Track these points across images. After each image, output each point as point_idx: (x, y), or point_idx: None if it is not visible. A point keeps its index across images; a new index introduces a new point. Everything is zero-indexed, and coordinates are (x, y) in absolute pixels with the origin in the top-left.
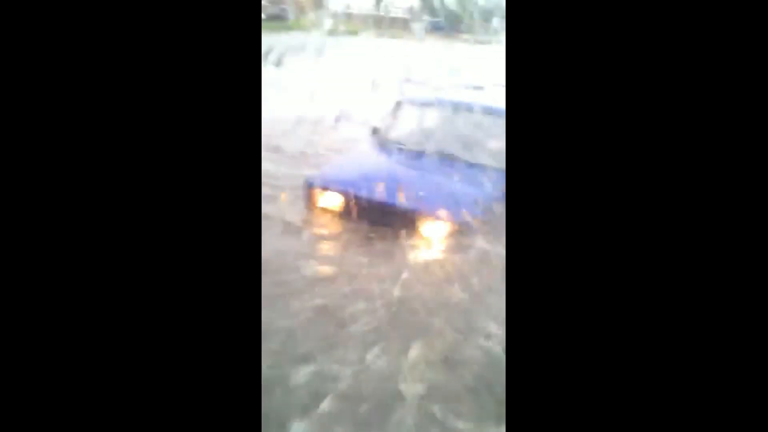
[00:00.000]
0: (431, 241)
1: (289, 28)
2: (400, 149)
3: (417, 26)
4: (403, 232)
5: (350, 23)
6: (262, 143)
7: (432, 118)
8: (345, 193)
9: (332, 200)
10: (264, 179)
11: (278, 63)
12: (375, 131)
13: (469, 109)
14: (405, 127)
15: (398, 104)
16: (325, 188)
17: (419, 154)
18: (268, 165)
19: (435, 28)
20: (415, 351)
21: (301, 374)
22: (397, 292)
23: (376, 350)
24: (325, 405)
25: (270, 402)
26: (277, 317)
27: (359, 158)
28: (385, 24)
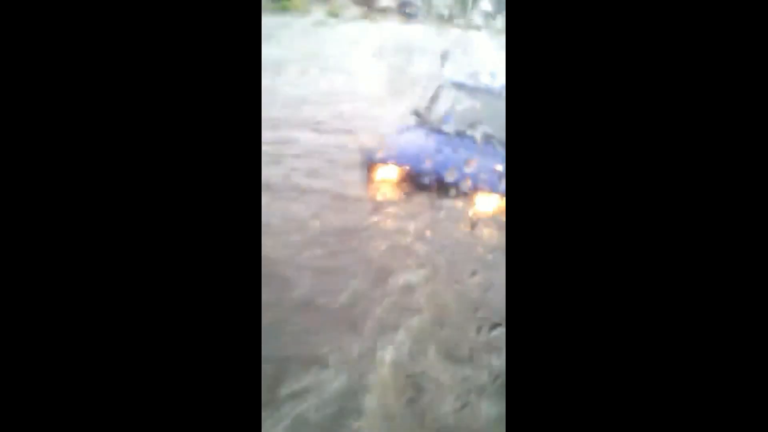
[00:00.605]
0: (466, 203)
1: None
2: (441, 130)
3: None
4: (444, 197)
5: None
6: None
7: (468, 101)
8: (398, 167)
9: (387, 173)
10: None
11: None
12: (417, 113)
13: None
14: (444, 108)
15: (439, 88)
16: (381, 163)
17: (458, 134)
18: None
19: (410, 15)
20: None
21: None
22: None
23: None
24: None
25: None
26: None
27: (407, 137)
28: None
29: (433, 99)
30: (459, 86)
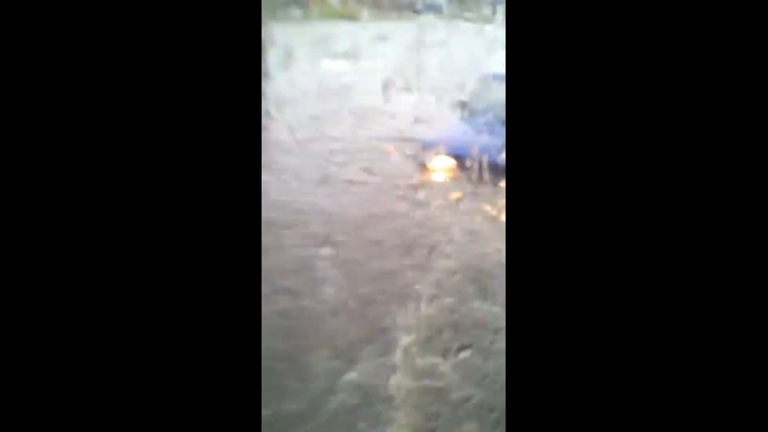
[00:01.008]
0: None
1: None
2: (486, 120)
3: None
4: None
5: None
6: None
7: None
8: (451, 156)
9: (441, 162)
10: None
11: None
12: (462, 104)
13: None
14: (487, 98)
15: (481, 79)
16: (435, 153)
17: (503, 122)
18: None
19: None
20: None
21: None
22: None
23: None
24: None
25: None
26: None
27: (454, 127)
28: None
29: (476, 91)
30: (498, 77)
